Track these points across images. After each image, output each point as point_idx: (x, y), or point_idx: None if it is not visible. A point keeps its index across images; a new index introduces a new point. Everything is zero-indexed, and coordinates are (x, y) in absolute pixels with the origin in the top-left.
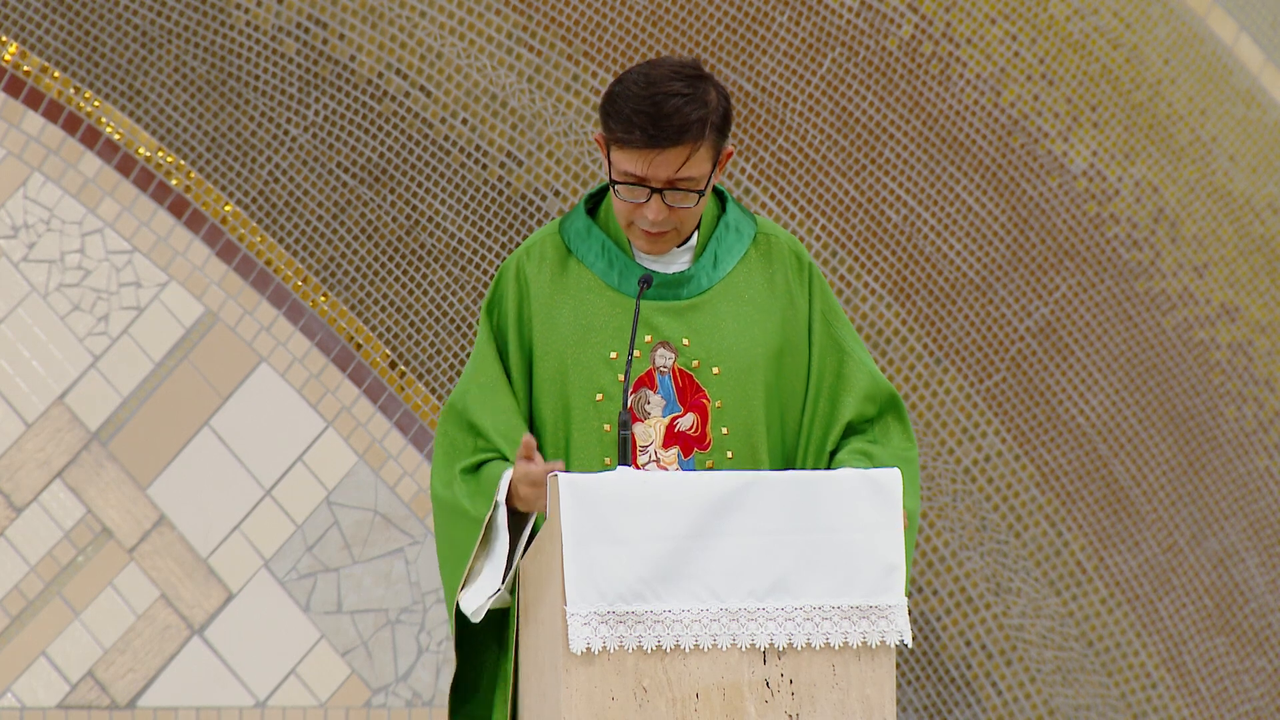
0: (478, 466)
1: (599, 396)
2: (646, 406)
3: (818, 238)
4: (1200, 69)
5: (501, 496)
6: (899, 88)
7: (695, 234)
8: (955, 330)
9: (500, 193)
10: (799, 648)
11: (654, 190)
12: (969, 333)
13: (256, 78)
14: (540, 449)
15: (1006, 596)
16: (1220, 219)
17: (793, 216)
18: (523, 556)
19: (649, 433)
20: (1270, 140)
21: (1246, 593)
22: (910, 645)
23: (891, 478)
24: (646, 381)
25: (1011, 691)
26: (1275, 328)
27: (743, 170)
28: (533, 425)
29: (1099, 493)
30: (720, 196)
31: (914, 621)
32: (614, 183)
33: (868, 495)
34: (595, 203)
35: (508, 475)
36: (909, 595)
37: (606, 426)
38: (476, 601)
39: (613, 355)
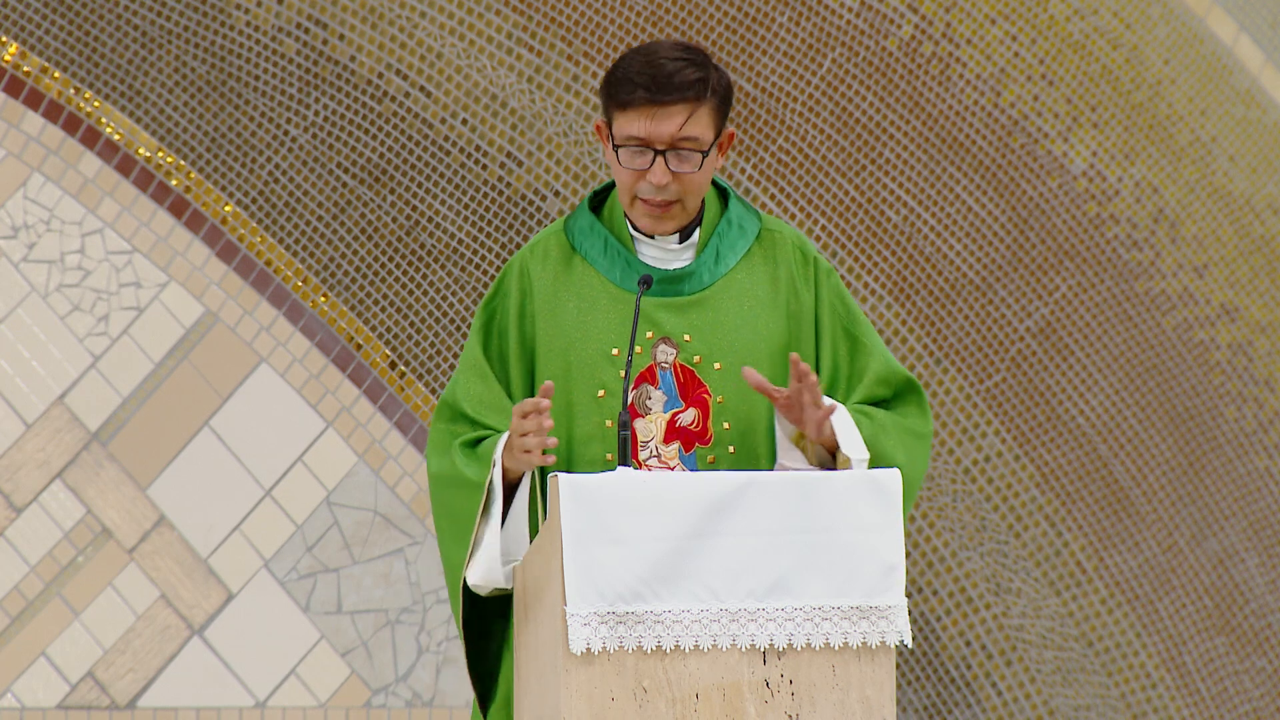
0: (475, 442)
1: (600, 393)
2: (648, 402)
3: (818, 238)
4: (1200, 69)
5: (498, 456)
6: (899, 88)
7: (697, 230)
8: (955, 330)
9: (500, 193)
10: (799, 648)
11: (657, 152)
12: (969, 333)
13: (256, 78)
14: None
15: (1006, 596)
16: (1220, 219)
17: (793, 217)
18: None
19: (650, 428)
20: (1270, 140)
21: (1246, 593)
22: (910, 645)
23: (891, 478)
24: (648, 377)
25: (1011, 691)
26: (1275, 328)
27: (742, 170)
28: None
29: (1099, 493)
30: (723, 193)
31: (914, 621)
32: (617, 149)
33: (867, 495)
34: (599, 201)
35: (503, 439)
36: (908, 595)
37: (609, 422)
38: (480, 571)
39: (614, 351)
